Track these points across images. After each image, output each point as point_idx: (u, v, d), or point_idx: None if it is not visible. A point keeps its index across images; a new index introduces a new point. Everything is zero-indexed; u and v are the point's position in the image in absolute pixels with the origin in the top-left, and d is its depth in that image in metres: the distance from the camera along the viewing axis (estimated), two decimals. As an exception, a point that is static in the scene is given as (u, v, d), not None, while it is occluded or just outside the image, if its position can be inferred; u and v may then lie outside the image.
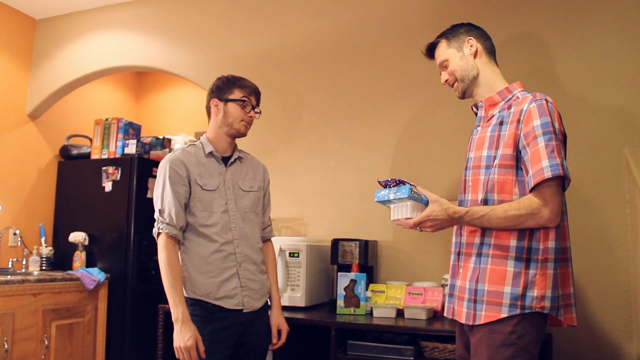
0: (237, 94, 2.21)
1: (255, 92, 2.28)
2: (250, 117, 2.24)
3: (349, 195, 3.11)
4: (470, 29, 1.93)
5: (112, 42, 3.93)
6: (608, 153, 2.56)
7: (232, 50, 3.55)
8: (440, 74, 1.97)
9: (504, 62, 1.97)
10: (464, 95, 1.92)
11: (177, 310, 2.01)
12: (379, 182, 1.80)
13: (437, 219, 1.68)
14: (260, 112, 2.29)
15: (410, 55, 3.03)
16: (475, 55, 1.88)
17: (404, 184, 1.70)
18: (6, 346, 2.99)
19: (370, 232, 3.01)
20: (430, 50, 1.99)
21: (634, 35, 2.58)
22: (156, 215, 2.13)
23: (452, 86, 1.94)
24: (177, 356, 2.01)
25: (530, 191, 1.65)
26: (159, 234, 2.11)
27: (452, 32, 1.94)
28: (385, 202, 1.75)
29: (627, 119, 2.55)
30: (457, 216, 1.68)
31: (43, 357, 3.20)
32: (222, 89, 2.23)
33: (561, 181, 1.64)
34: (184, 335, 1.98)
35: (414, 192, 1.68)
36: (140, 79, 5.08)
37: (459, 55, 1.89)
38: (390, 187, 1.73)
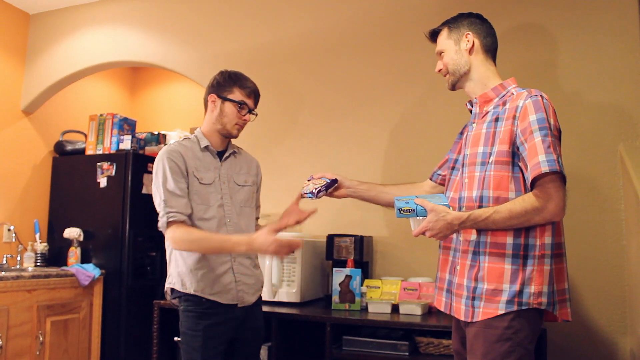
0: (236, 95, 2.19)
1: (255, 94, 2.25)
2: (245, 120, 2.23)
3: (345, 191, 3.11)
4: (473, 22, 1.90)
5: (107, 37, 3.91)
6: (603, 149, 2.57)
7: (227, 46, 3.54)
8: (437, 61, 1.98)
9: (499, 56, 1.96)
10: (453, 87, 1.94)
11: (240, 245, 2.01)
12: (305, 193, 2.06)
13: (435, 228, 1.67)
14: (256, 115, 2.28)
15: (409, 51, 3.03)
16: (470, 51, 1.87)
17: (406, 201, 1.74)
18: (0, 342, 2.98)
19: (365, 227, 3.01)
20: (433, 36, 1.99)
21: (629, 32, 2.58)
22: (160, 207, 2.07)
23: (445, 76, 1.95)
24: (281, 258, 2.07)
25: (532, 188, 1.65)
26: (168, 223, 2.05)
27: (455, 22, 1.92)
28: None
29: (622, 115, 2.55)
30: (458, 222, 1.66)
31: (38, 353, 3.20)
32: (223, 85, 2.21)
33: (561, 176, 1.64)
34: (262, 246, 1.96)
35: (402, 211, 1.71)
36: (136, 75, 5.06)
37: (455, 49, 1.89)
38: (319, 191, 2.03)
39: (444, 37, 1.93)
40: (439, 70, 1.95)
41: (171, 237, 2.06)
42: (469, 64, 1.87)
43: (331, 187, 2.09)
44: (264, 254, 2.02)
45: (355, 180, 2.17)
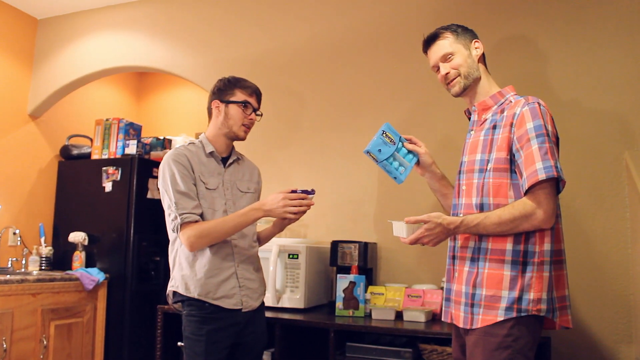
0: (238, 96, 2.21)
1: (257, 93, 2.27)
2: (251, 119, 2.24)
3: (349, 196, 3.11)
4: (472, 32, 1.92)
5: (114, 43, 3.93)
6: (608, 157, 2.56)
7: (232, 52, 3.55)
8: (438, 68, 1.90)
9: (501, 66, 1.98)
10: (462, 91, 1.86)
11: (253, 212, 2.06)
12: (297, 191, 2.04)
13: (433, 233, 1.69)
14: (261, 115, 2.29)
15: (409, 59, 3.03)
16: (479, 59, 1.88)
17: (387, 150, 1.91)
18: (5, 346, 2.99)
19: (369, 234, 3.01)
20: (430, 42, 1.91)
21: (632, 40, 2.57)
22: (171, 209, 2.07)
23: (451, 82, 1.87)
24: (298, 215, 2.06)
25: (525, 194, 1.65)
26: (182, 225, 2.05)
27: (458, 29, 1.89)
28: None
29: (627, 123, 2.55)
30: (452, 227, 1.69)
31: (42, 357, 3.20)
32: (224, 90, 2.23)
33: (555, 183, 1.65)
34: (273, 204, 2.02)
35: (386, 135, 1.97)
36: (141, 80, 5.09)
37: (467, 54, 1.86)
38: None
39: (450, 40, 1.87)
40: (446, 74, 1.87)
41: (186, 237, 2.05)
42: (479, 71, 1.87)
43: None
44: (277, 214, 2.05)
45: (440, 173, 2.05)
